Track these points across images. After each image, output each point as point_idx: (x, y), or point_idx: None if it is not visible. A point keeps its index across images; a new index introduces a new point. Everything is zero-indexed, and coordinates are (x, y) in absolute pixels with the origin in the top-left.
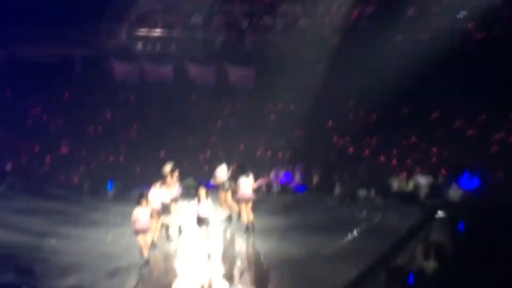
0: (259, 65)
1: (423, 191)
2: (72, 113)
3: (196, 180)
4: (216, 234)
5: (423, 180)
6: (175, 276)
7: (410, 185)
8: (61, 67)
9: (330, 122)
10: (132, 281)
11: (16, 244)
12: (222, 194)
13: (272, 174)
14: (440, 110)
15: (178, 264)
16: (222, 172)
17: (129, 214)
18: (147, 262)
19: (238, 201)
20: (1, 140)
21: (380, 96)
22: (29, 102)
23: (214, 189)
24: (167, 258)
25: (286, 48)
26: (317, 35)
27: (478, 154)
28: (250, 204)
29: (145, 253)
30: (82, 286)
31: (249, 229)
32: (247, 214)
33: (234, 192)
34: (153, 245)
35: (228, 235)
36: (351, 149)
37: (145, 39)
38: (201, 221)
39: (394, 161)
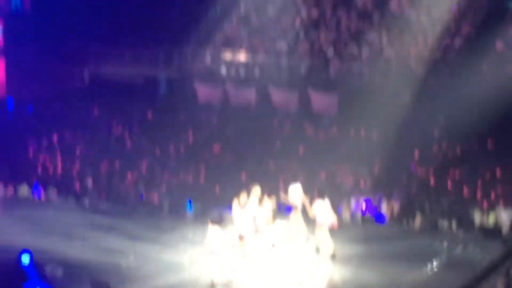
0: (343, 93)
1: (505, 226)
2: (154, 133)
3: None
4: (295, 258)
5: (505, 215)
6: None
7: (491, 218)
8: (145, 87)
9: (413, 151)
10: None
11: (94, 260)
12: (293, 216)
13: (353, 202)
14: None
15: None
16: (294, 192)
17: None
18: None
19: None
20: (83, 157)
21: (465, 128)
22: (112, 121)
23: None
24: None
25: (371, 76)
26: (402, 65)
27: None
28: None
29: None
30: None
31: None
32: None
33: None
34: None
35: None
36: (433, 180)
37: (229, 62)
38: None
39: (477, 194)
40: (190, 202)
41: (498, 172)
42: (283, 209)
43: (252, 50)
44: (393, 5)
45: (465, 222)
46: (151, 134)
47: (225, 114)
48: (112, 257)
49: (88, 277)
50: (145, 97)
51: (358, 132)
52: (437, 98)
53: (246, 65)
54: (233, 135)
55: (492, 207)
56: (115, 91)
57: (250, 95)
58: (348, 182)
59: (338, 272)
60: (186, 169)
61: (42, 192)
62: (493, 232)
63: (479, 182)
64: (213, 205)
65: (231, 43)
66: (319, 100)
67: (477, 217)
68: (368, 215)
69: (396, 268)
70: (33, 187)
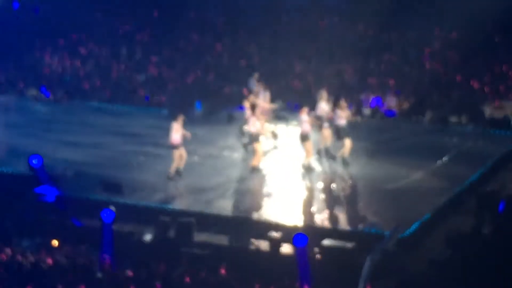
0: None
1: None
2: (161, 32)
3: (285, 103)
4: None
5: None
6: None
7: (501, 111)
8: None
9: (422, 47)
10: (217, 199)
11: (103, 162)
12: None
13: (362, 98)
14: None
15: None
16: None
17: (218, 135)
18: (169, 177)
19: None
20: (89, 58)
21: (474, 23)
22: (118, 21)
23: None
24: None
25: None
26: None
27: None
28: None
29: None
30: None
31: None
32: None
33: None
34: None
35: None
36: (443, 74)
37: None
38: (304, 137)
39: (486, 87)
40: (199, 102)
41: (506, 66)
42: (292, 107)
43: None
44: None
45: (475, 116)
46: (158, 34)
47: (233, 12)
48: (123, 158)
49: (100, 178)
50: None
51: (367, 29)
52: None
53: None
54: (240, 34)
55: (501, 100)
56: None
57: None
58: (356, 78)
59: (349, 166)
60: (194, 69)
61: (51, 93)
62: (503, 125)
63: (488, 76)
64: (222, 105)
65: None
66: None
67: (487, 111)
68: (378, 111)
69: (406, 163)
70: (41, 89)
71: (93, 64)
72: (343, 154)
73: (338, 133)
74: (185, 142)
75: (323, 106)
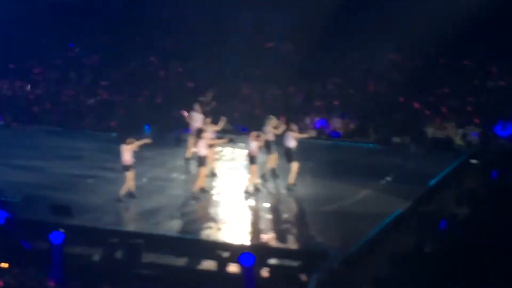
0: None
1: (457, 139)
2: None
3: (232, 125)
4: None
5: (456, 129)
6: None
7: (443, 132)
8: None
9: (366, 69)
10: (165, 221)
11: (52, 185)
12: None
13: (308, 120)
14: (475, 58)
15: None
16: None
17: (166, 157)
18: (119, 199)
19: None
20: (39, 82)
21: (418, 45)
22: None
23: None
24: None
25: None
26: None
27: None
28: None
29: (123, 190)
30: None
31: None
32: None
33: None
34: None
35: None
36: (386, 96)
37: None
38: (252, 159)
39: (428, 109)
40: (148, 125)
41: (447, 87)
42: (239, 129)
43: None
44: None
45: (418, 137)
46: (106, 58)
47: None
48: (72, 180)
49: (49, 201)
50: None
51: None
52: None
53: None
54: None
55: (443, 121)
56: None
57: None
58: (302, 100)
59: (295, 187)
60: (143, 93)
61: (1, 117)
62: (445, 146)
63: (431, 97)
64: (171, 128)
65: None
66: None
67: (430, 132)
68: (323, 132)
69: (350, 182)
70: None
71: (42, 88)
72: (290, 178)
73: (288, 156)
74: (135, 164)
75: (272, 130)
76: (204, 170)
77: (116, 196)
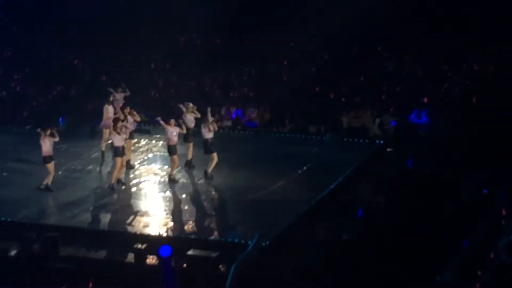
0: None
1: (372, 127)
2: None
3: (148, 116)
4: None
5: (372, 117)
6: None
7: (358, 121)
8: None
9: (282, 59)
10: (82, 213)
11: None
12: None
13: (223, 111)
14: (390, 48)
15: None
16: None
17: (82, 149)
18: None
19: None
20: None
21: (331, 35)
22: None
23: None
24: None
25: None
26: None
27: (427, 91)
28: None
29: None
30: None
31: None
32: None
33: None
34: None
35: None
36: (301, 86)
37: None
38: (172, 148)
39: (343, 98)
40: (62, 118)
41: (362, 77)
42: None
43: None
44: None
45: (333, 126)
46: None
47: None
48: None
49: None
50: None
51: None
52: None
53: None
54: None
55: (358, 110)
56: None
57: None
58: (217, 91)
59: (213, 178)
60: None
61: None
62: (361, 134)
63: (346, 87)
64: (85, 120)
65: None
66: None
67: (345, 121)
68: (239, 122)
69: (268, 172)
70: None
71: None
72: (208, 168)
73: (206, 147)
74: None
75: (190, 118)
76: (120, 161)
77: (40, 186)
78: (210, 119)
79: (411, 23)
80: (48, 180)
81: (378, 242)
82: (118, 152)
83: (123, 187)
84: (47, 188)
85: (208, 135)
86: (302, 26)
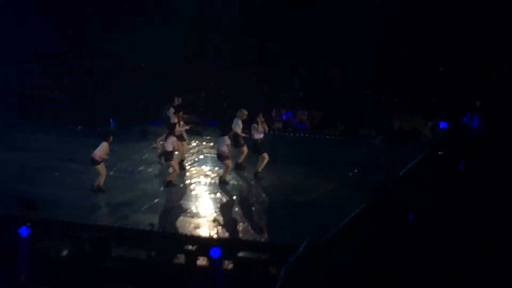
0: None
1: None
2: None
3: (198, 118)
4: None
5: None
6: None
7: (409, 124)
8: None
9: (333, 61)
10: (133, 214)
11: (18, 178)
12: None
13: (274, 113)
14: (442, 50)
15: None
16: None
17: (132, 150)
18: (100, 189)
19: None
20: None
21: (383, 37)
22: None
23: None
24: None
25: None
26: None
27: (478, 95)
28: None
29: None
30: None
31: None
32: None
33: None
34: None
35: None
36: (352, 88)
37: None
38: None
39: (395, 100)
40: (113, 118)
41: (413, 79)
42: (205, 122)
43: None
44: None
45: (384, 128)
46: (72, 49)
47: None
48: (38, 173)
49: (15, 195)
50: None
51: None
52: None
53: None
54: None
55: (410, 113)
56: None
57: None
58: (269, 94)
59: (263, 179)
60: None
61: None
62: (411, 137)
63: (398, 89)
64: (136, 121)
65: None
66: None
67: (395, 123)
68: (290, 124)
69: (318, 174)
70: None
71: (5, 80)
72: (258, 168)
73: (255, 148)
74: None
75: (241, 124)
76: (174, 164)
77: (89, 188)
78: (260, 120)
79: (464, 25)
80: (100, 181)
81: (428, 247)
82: (170, 156)
83: (174, 188)
84: (99, 189)
85: (258, 135)
86: (354, 28)
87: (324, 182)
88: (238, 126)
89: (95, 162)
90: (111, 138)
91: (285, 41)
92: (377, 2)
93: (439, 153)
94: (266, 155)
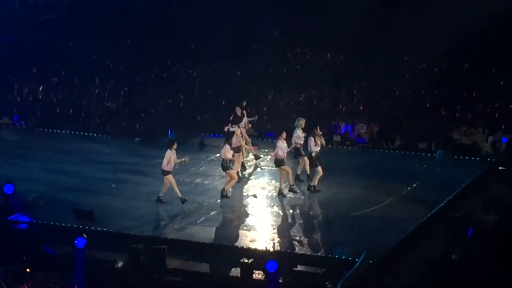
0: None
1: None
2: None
3: (257, 131)
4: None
5: (484, 135)
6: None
7: (470, 139)
8: (123, 13)
9: (393, 74)
10: (189, 226)
11: (76, 189)
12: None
13: (333, 125)
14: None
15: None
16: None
17: (190, 162)
18: (183, 200)
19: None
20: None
21: (442, 50)
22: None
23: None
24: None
25: None
26: None
27: None
28: None
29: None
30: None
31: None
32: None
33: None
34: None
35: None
36: (412, 101)
37: None
38: (280, 162)
39: (455, 114)
40: (171, 130)
41: (474, 92)
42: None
43: None
44: None
45: (444, 143)
46: (130, 62)
47: (204, 38)
48: (95, 185)
49: (72, 206)
50: (123, 23)
51: (338, 55)
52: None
53: None
54: (211, 61)
55: (470, 127)
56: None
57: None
58: (327, 105)
59: (320, 193)
60: (165, 97)
61: (23, 121)
62: (472, 152)
63: (458, 103)
64: (194, 132)
65: None
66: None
67: (455, 137)
68: (348, 137)
69: (376, 188)
70: (14, 117)
71: (65, 92)
72: (314, 181)
73: (312, 160)
74: (156, 169)
75: (300, 134)
76: (231, 174)
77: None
78: (318, 133)
79: None
80: (177, 193)
81: (488, 263)
82: (229, 165)
83: (230, 201)
84: (159, 200)
85: (315, 148)
86: (413, 42)
87: (382, 196)
88: (298, 137)
89: (163, 173)
90: (174, 146)
91: (346, 55)
92: (438, 21)
93: (500, 168)
94: (320, 169)
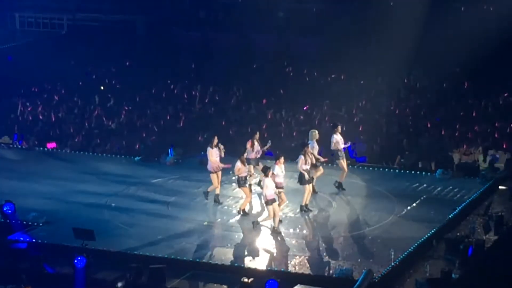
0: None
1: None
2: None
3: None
4: None
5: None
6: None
7: (470, 158)
8: (123, 32)
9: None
10: (189, 246)
11: (74, 209)
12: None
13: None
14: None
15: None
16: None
17: (190, 181)
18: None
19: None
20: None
21: (444, 69)
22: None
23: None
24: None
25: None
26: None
27: None
28: None
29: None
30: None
31: None
32: None
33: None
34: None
35: None
36: (412, 121)
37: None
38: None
39: (455, 134)
40: (171, 148)
41: (474, 112)
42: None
43: None
44: None
45: (444, 162)
46: (130, 81)
47: (204, 57)
48: (94, 204)
49: (71, 225)
50: (123, 41)
51: (339, 74)
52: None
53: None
54: (212, 79)
55: (469, 146)
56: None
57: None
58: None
59: (320, 213)
60: (167, 115)
61: (23, 141)
62: (472, 171)
63: (458, 123)
64: (195, 151)
65: None
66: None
67: (456, 157)
68: (349, 157)
69: (377, 207)
70: (14, 136)
71: (65, 111)
72: (305, 200)
73: (300, 178)
74: (158, 188)
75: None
76: (246, 191)
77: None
78: (309, 151)
79: None
80: (211, 189)
81: (488, 282)
82: (244, 182)
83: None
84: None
85: (305, 167)
86: (415, 63)
87: (382, 215)
88: (315, 149)
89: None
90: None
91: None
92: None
93: (500, 187)
94: (307, 187)
